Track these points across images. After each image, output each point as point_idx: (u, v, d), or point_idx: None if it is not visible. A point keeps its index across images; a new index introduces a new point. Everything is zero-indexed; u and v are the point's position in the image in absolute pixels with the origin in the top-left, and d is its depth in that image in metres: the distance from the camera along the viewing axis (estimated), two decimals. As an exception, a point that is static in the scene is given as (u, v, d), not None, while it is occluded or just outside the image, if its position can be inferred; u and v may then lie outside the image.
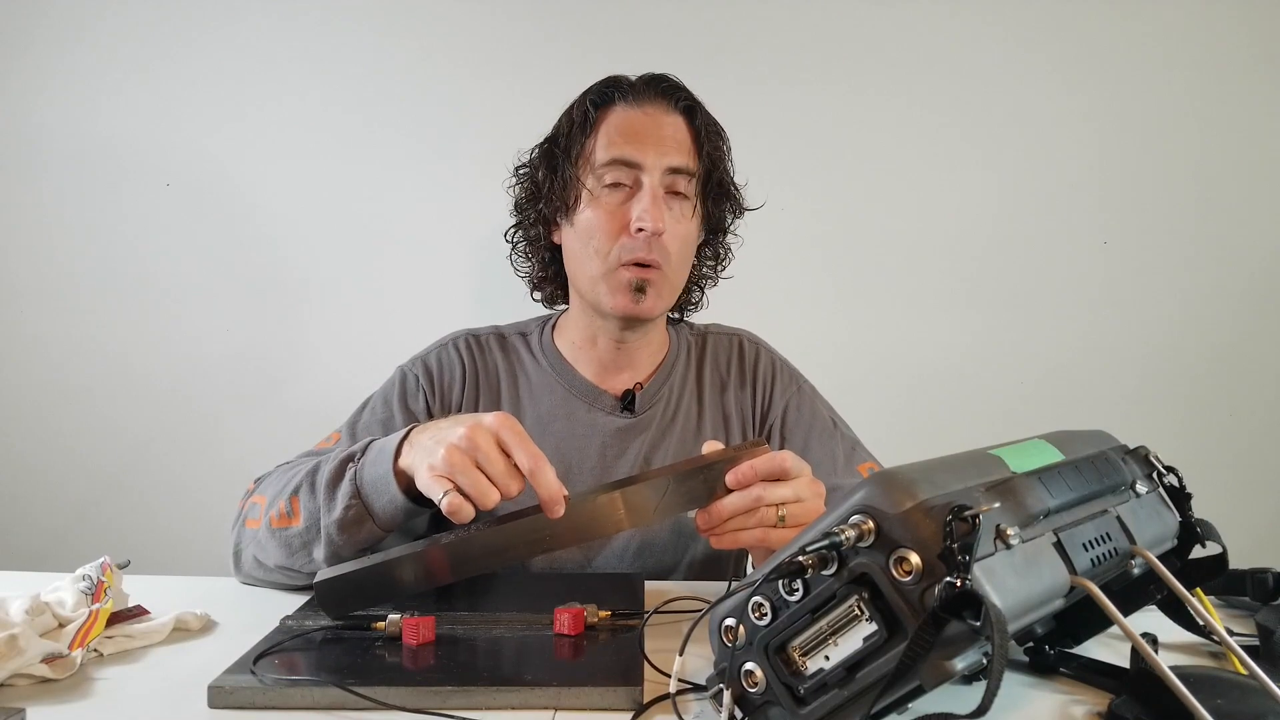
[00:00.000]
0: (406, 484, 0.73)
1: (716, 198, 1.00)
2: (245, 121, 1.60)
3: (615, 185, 0.93)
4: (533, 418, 1.00)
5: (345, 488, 0.76)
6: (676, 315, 1.11)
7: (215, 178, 1.60)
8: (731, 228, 1.07)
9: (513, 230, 1.07)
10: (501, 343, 1.06)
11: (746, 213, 1.08)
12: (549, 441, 0.98)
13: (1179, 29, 1.59)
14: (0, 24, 1.57)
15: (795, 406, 1.06)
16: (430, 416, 0.99)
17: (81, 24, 1.58)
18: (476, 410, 1.01)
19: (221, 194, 1.61)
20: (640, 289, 0.93)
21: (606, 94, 0.96)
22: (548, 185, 0.98)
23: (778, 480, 0.70)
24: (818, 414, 1.06)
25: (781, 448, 1.03)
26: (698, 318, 1.15)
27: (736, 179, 1.04)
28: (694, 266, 1.05)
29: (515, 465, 0.67)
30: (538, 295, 1.10)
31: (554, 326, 1.07)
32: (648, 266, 0.93)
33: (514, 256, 1.08)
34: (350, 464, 0.77)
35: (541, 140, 1.01)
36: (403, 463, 0.73)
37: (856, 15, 1.59)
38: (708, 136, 0.97)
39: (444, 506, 0.65)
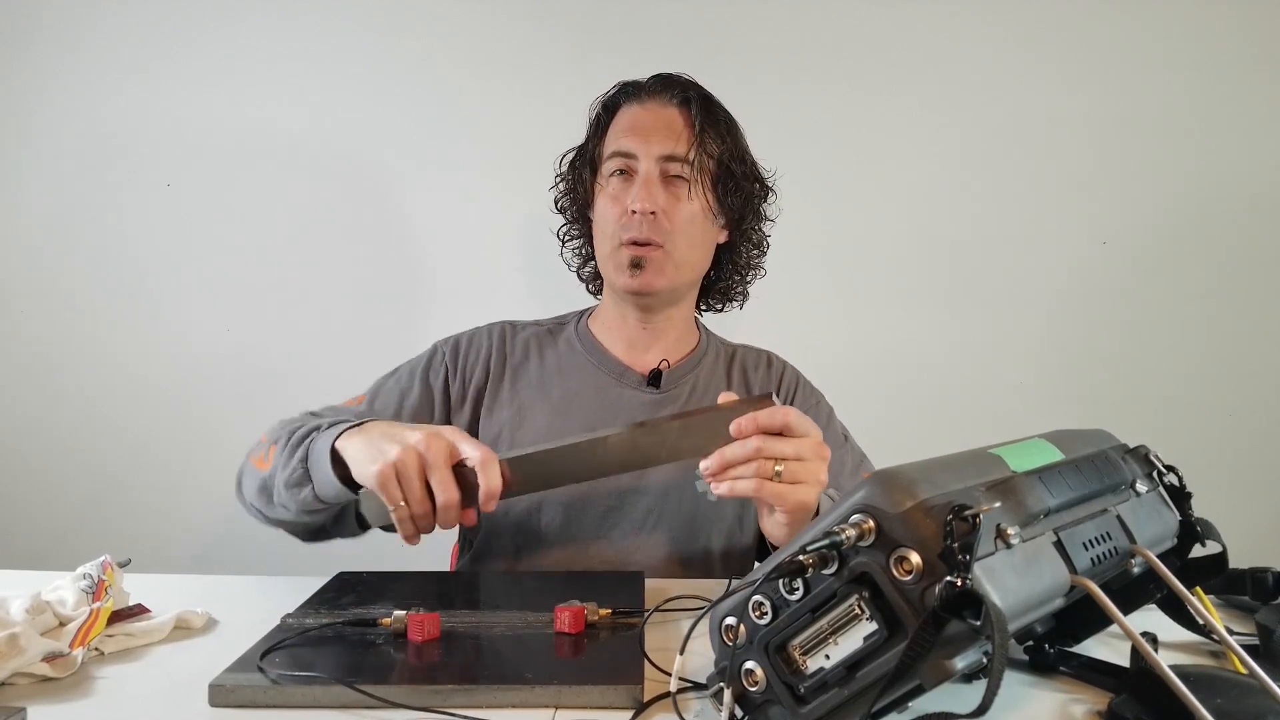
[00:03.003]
0: (344, 469, 0.78)
1: (727, 183, 1.03)
2: (245, 121, 1.60)
3: (618, 174, 1.02)
4: (562, 393, 1.05)
5: (300, 451, 0.82)
6: (719, 305, 1.16)
7: (215, 178, 1.60)
8: (762, 212, 1.10)
9: (561, 228, 1.16)
10: (536, 330, 1.12)
11: (775, 198, 1.11)
12: (577, 415, 1.03)
13: (1179, 29, 1.59)
14: (0, 24, 1.57)
15: (813, 416, 1.07)
16: (447, 391, 1.06)
17: (81, 24, 1.58)
18: (496, 393, 1.06)
19: (221, 194, 1.61)
20: (637, 265, 0.99)
21: (615, 98, 1.06)
22: (574, 184, 1.09)
23: (780, 435, 0.72)
24: (832, 426, 1.09)
25: None
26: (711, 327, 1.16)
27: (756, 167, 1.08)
28: (738, 256, 1.11)
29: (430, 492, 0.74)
30: (590, 288, 1.19)
31: (590, 315, 1.14)
32: (646, 245, 0.99)
33: (564, 251, 1.17)
34: (316, 431, 0.82)
35: (573, 147, 1.11)
36: (339, 444, 0.78)
37: (856, 15, 1.59)
38: (707, 125, 1.01)
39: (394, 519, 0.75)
